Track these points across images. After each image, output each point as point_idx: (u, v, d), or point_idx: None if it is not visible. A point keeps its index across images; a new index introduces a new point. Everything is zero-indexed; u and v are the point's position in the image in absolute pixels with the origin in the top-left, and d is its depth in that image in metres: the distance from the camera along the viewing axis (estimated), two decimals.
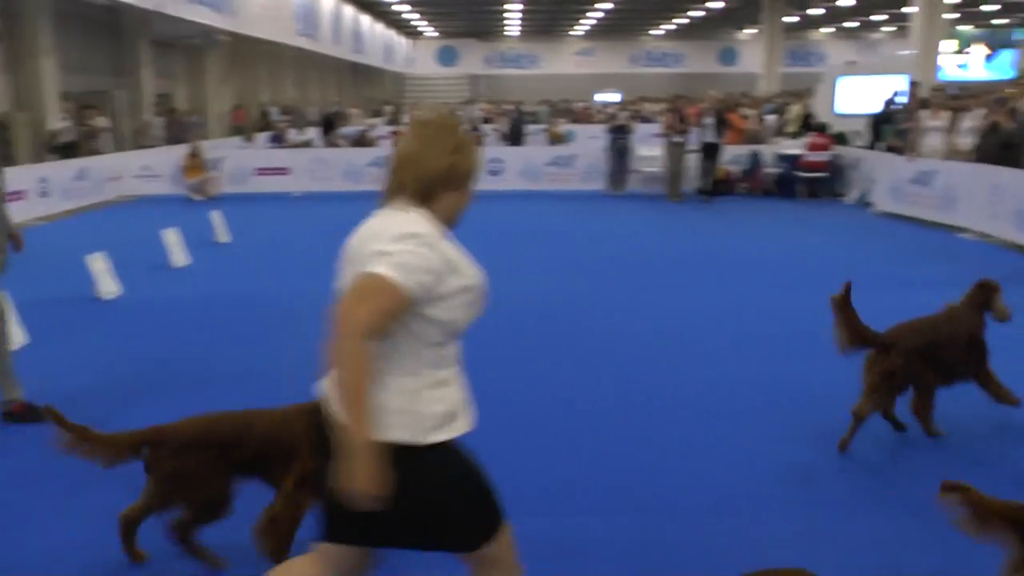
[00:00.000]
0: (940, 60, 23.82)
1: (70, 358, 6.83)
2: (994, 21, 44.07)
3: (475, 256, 2.57)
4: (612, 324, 7.67)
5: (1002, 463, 4.74)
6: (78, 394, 5.88)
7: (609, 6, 41.60)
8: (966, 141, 12.78)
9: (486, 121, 30.18)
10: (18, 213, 13.59)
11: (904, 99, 15.83)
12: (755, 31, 48.47)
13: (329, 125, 23.43)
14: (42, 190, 14.67)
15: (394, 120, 33.61)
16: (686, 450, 4.96)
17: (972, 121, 12.85)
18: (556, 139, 23.67)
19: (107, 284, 8.79)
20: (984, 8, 41.58)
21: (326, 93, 37.06)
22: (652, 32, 55.27)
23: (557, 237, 12.44)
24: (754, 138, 17.92)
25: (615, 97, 45.11)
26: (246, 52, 29.90)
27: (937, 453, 4.86)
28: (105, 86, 21.93)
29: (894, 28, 51.88)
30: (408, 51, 55.63)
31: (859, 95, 18.70)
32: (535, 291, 8.83)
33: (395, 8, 42.49)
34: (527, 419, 5.43)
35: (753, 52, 48.82)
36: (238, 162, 18.21)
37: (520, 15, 46.52)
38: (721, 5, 41.82)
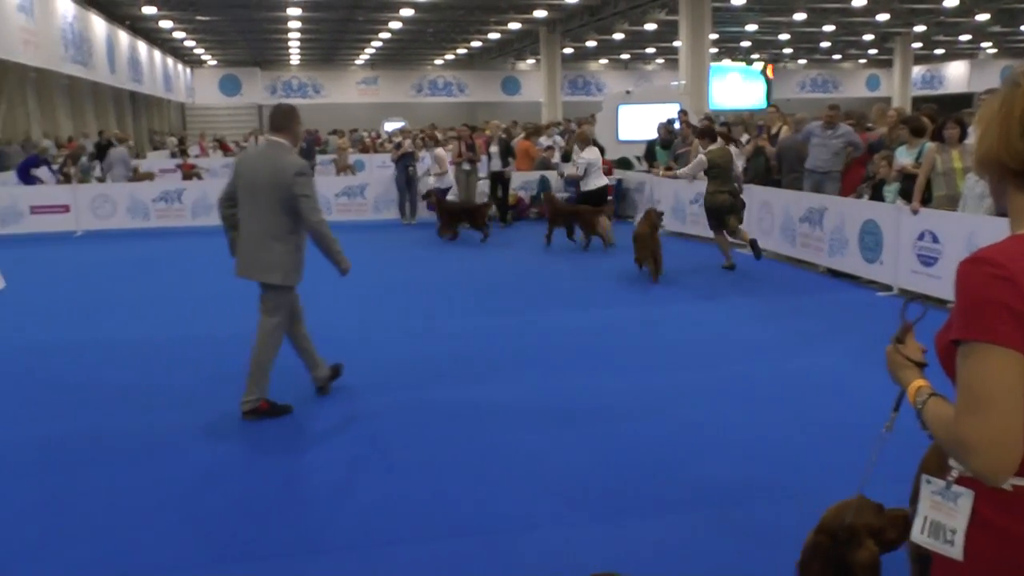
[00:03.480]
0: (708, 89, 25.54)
1: None
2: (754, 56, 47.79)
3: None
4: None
5: None
6: None
7: (388, 36, 41.94)
8: (738, 164, 13.84)
9: None
10: None
11: (677, 126, 16.96)
12: (535, 61, 50.29)
13: (102, 156, 22.23)
14: None
15: (182, 151, 32.48)
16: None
17: (738, 146, 13.98)
18: (344, 170, 23.57)
19: None
20: (742, 44, 45.07)
21: (104, 124, 35.20)
22: (435, 61, 56.09)
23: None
24: (543, 164, 18.59)
25: (400, 125, 45.43)
26: (9, 79, 27.99)
27: None
28: None
29: (663, 61, 55.19)
30: (189, 80, 53.78)
31: (637, 122, 19.80)
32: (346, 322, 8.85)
33: (174, 35, 41.07)
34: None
35: (535, 81, 50.59)
36: (9, 200, 16.97)
37: (301, 45, 46.09)
38: (499, 36, 43.06)
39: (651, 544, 4.19)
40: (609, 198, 14.11)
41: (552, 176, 17.81)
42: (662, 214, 11.54)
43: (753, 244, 11.36)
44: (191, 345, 8.14)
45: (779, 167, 12.93)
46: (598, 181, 13.62)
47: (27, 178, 18.70)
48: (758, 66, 38.47)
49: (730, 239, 11.50)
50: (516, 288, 10.71)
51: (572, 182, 17.03)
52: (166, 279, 11.91)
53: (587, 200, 13.49)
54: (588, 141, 14.07)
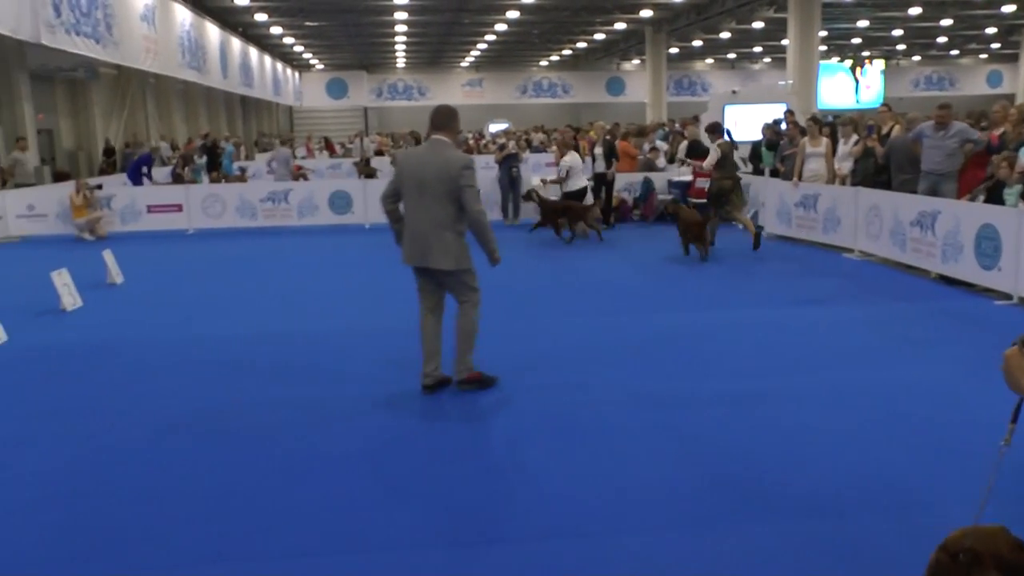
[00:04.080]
0: (816, 88, 24.94)
1: None
2: (864, 53, 46.43)
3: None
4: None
5: None
6: None
7: (493, 38, 42.20)
8: (846, 165, 13.46)
9: (379, 153, 30.19)
10: None
11: (784, 126, 16.58)
12: (640, 61, 49.93)
13: (211, 158, 23.06)
14: None
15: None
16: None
17: (848, 147, 13.55)
18: None
19: None
20: (853, 41, 43.80)
21: (216, 127, 36.43)
22: (540, 63, 56.22)
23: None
24: (647, 166, 18.39)
25: (504, 127, 45.65)
26: (131, 85, 29.22)
27: None
28: None
29: (770, 60, 54.14)
30: (297, 84, 55.19)
31: (743, 123, 19.43)
32: None
33: (284, 41, 42.18)
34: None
35: (639, 82, 50.23)
36: (129, 200, 17.74)
37: (407, 48, 46.75)
38: (604, 37, 42.90)
39: (745, 553, 4.07)
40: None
41: (657, 178, 17.58)
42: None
43: (757, 235, 13.06)
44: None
45: (889, 168, 12.46)
46: (579, 183, 14.95)
47: (137, 178, 19.49)
48: (857, 67, 37.41)
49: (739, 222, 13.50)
50: (612, 291, 10.59)
51: (676, 184, 16.89)
52: (283, 275, 12.27)
53: (570, 199, 14.85)
54: (570, 146, 15.72)
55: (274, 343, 8.31)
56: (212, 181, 20.65)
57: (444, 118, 6.38)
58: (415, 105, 56.94)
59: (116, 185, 19.03)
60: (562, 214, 14.49)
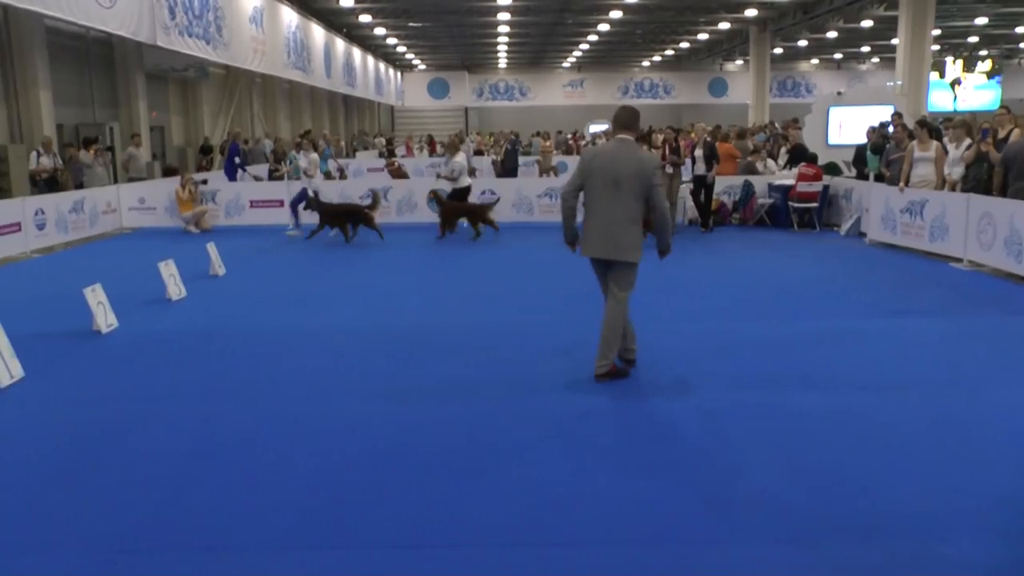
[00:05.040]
0: (926, 90, 24.11)
1: (68, 392, 6.81)
2: (982, 52, 44.65)
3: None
4: None
5: None
6: (78, 428, 5.91)
7: (596, 38, 42.01)
8: (956, 171, 12.90)
9: (478, 153, 30.40)
10: (14, 246, 13.75)
11: (891, 129, 16.02)
12: (743, 62, 49.08)
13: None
14: (38, 223, 14.67)
15: (389, 152, 33.79)
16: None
17: (959, 151, 12.97)
18: (547, 171, 23.83)
19: (104, 317, 8.77)
20: (968, 40, 42.18)
21: (318, 125, 37.22)
22: (642, 63, 55.78)
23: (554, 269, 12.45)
24: (747, 169, 18.01)
25: (605, 128, 45.40)
26: (239, 84, 30.07)
27: None
28: (99, 118, 22.02)
29: (878, 60, 52.58)
30: (399, 84, 55.98)
31: (849, 125, 18.88)
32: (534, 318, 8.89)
33: (387, 42, 42.82)
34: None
35: (742, 83, 49.39)
36: (233, 194, 18.24)
37: (509, 48, 46.94)
38: (707, 37, 42.30)
39: (845, 572, 3.92)
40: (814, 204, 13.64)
41: (758, 181, 17.18)
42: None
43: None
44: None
45: (1005, 174, 11.87)
46: (465, 181, 16.12)
47: (232, 171, 20.01)
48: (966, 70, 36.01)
49: None
50: (708, 296, 10.38)
51: (777, 188, 16.51)
52: (385, 270, 12.44)
53: (455, 196, 15.99)
54: (458, 148, 17.25)
55: (374, 335, 8.39)
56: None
57: (630, 119, 6.76)
58: (516, 105, 57.20)
59: (221, 180, 19.59)
60: (464, 214, 15.72)
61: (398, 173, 24.80)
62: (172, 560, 4.14)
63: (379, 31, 39.06)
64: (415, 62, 54.10)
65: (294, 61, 30.15)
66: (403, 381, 6.95)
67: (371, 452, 5.45)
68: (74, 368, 7.51)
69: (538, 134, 34.42)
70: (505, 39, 42.88)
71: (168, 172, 20.07)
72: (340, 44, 37.58)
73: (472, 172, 22.73)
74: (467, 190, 16.26)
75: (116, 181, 19.53)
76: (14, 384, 6.82)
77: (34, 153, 17.14)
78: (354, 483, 4.98)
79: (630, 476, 5.02)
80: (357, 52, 41.62)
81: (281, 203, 17.84)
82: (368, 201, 16.05)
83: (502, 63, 54.94)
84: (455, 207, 15.79)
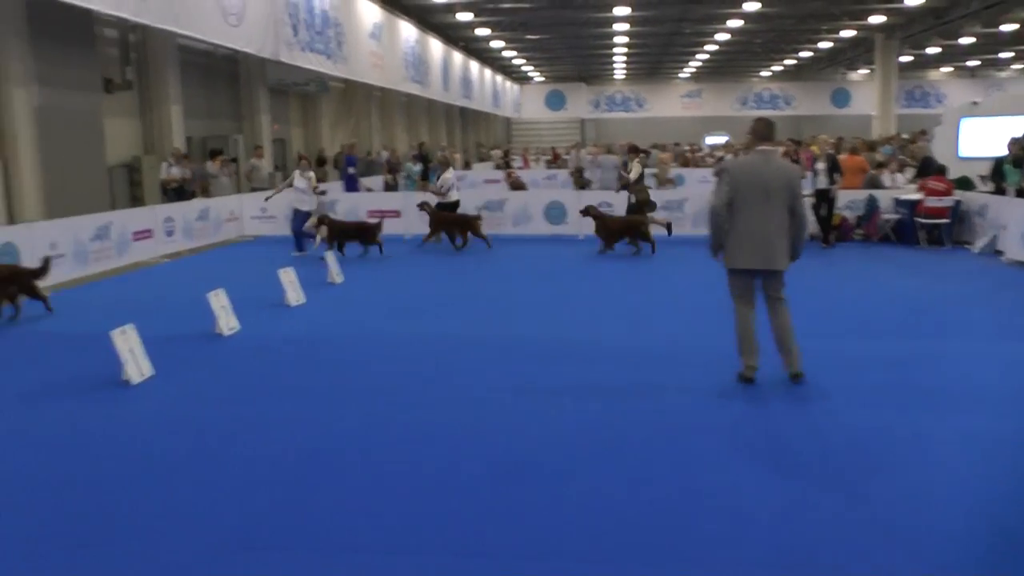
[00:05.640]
0: None
1: (192, 390, 7.03)
2: None
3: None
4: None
5: None
6: (201, 426, 6.09)
7: (714, 48, 41.40)
8: None
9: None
10: (145, 251, 14.35)
11: None
12: (868, 71, 47.53)
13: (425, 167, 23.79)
14: (167, 229, 15.29)
15: (506, 163, 33.96)
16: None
17: None
18: (665, 183, 23.54)
19: (227, 320, 9.03)
20: None
21: (436, 138, 37.76)
22: (761, 73, 54.73)
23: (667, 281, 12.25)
24: (872, 182, 17.35)
25: (724, 140, 44.71)
26: (357, 98, 30.74)
27: None
28: (225, 131, 22.86)
29: (1020, 66, 50.16)
30: (516, 96, 56.33)
31: (983, 137, 18.01)
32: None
33: (504, 54, 43.16)
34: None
35: (867, 93, 47.82)
36: (351, 204, 18.57)
37: (626, 59, 46.71)
38: (830, 45, 41.17)
39: None
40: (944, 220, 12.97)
41: (883, 195, 16.53)
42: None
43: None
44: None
45: None
46: (453, 196, 16.72)
47: (351, 183, 20.39)
48: None
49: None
50: (835, 312, 10.01)
51: (903, 203, 15.84)
52: (499, 280, 12.49)
53: (445, 209, 16.47)
54: (448, 165, 17.79)
55: (486, 343, 8.39)
56: (418, 190, 21.25)
57: (768, 130, 7.04)
58: (632, 117, 56.89)
59: (340, 191, 19.99)
60: (453, 225, 16.16)
61: (516, 184, 24.87)
62: (286, 558, 4.18)
63: (496, 44, 39.40)
64: (532, 74, 54.38)
65: (412, 74, 30.67)
66: (542, 382, 7.06)
67: (498, 462, 5.41)
68: (199, 368, 7.76)
69: (655, 146, 34.07)
70: (622, 50, 42.69)
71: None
72: (458, 57, 38.05)
73: (586, 184, 22.65)
74: (455, 204, 16.78)
75: (239, 191, 20.19)
76: (144, 381, 7.12)
77: (164, 163, 17.91)
78: (484, 492, 4.95)
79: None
80: (475, 65, 42.07)
81: (398, 213, 18.08)
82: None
83: (619, 74, 54.73)
84: (443, 217, 16.24)
